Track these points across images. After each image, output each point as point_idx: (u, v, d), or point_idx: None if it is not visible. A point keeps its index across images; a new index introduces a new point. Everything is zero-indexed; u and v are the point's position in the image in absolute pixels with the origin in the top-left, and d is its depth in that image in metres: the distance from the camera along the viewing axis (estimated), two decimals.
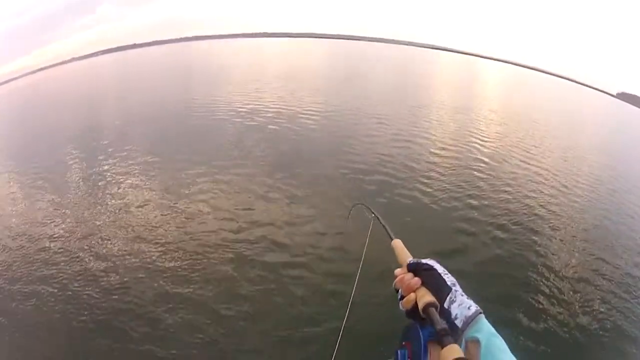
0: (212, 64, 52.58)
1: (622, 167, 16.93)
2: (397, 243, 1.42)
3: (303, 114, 16.65)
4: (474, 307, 0.97)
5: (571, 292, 6.48)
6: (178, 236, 7.18)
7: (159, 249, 6.81)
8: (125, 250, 6.79)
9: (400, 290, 1.08)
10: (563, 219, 9.25)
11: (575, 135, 23.31)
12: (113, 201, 8.78)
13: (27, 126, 19.28)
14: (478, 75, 67.14)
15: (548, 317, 5.78)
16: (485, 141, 15.14)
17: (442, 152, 12.88)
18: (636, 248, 8.46)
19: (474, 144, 14.35)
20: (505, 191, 10.20)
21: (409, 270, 1.10)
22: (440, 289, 1.02)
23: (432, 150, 13.06)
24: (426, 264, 1.10)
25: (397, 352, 0.98)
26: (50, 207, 8.90)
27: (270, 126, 14.46)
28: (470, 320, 0.95)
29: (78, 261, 6.63)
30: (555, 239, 8.25)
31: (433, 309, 0.95)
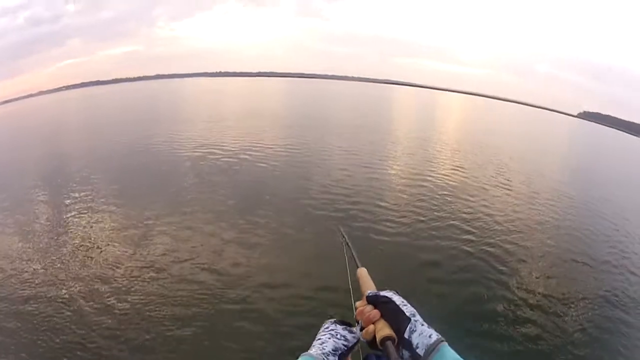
0: (174, 102, 52.47)
1: (587, 180, 18.61)
2: (362, 272, 1.45)
3: (268, 151, 16.90)
4: (435, 336, 0.99)
5: (545, 314, 6.80)
6: (143, 276, 7.25)
7: (125, 288, 6.88)
8: (91, 293, 6.77)
9: (360, 322, 1.12)
10: (532, 239, 9.84)
11: (539, 156, 24.48)
12: (77, 241, 8.75)
13: None
14: (437, 107, 67.26)
15: (522, 340, 6.09)
16: (451, 169, 15.77)
17: (411, 184, 13.29)
18: (609, 261, 9.15)
19: (439, 173, 14.97)
20: (475, 218, 10.64)
21: (369, 302, 1.14)
22: (399, 320, 1.06)
23: (402, 182, 13.50)
24: (384, 296, 1.14)
25: None
26: (12, 246, 8.65)
27: (235, 164, 14.71)
28: (432, 349, 0.96)
29: (43, 299, 6.56)
30: (527, 260, 8.62)
31: (390, 343, 1.00)
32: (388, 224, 9.73)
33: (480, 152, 21.10)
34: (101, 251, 8.23)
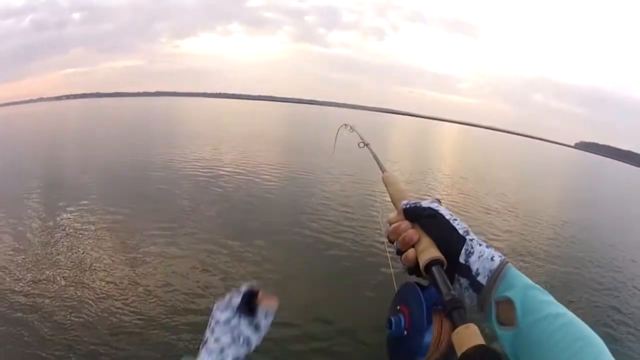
0: (173, 120, 52.18)
1: (586, 212, 18.11)
2: (389, 177, 1.09)
3: (262, 173, 16.50)
4: (498, 257, 0.74)
5: None
6: (134, 297, 6.69)
7: (113, 309, 6.31)
8: (78, 311, 6.22)
9: (396, 244, 0.84)
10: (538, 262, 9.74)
11: (536, 187, 24.02)
12: (67, 257, 8.17)
13: None
14: (436, 138, 66.64)
15: None
16: (449, 202, 14.78)
17: None
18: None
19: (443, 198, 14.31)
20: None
21: (406, 217, 0.85)
22: (450, 241, 0.78)
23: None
24: (428, 207, 0.84)
25: (390, 320, 0.73)
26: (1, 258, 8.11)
27: (228, 186, 14.35)
28: (496, 275, 0.73)
29: (28, 320, 5.96)
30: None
31: (438, 268, 0.73)
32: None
33: (483, 184, 20.96)
34: (92, 270, 7.66)
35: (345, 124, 1.94)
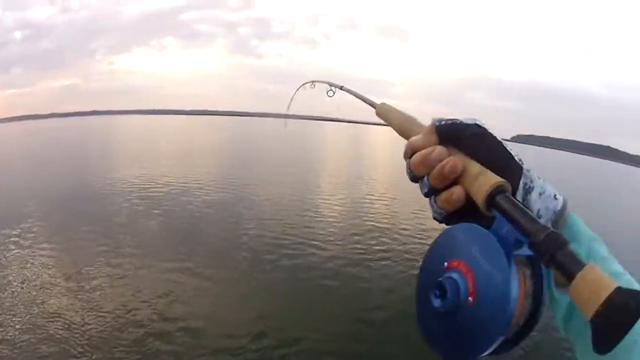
0: (109, 140, 52.18)
1: None
2: (385, 107, 0.75)
3: (201, 189, 16.39)
4: (560, 196, 0.53)
5: None
6: (80, 325, 6.11)
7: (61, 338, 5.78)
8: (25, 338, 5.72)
9: (425, 180, 0.54)
10: None
11: None
12: (14, 284, 7.50)
13: None
14: (366, 141, 68.40)
15: None
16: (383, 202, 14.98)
17: (343, 216, 12.89)
18: None
19: (371, 207, 14.45)
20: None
21: (442, 139, 0.54)
22: (505, 170, 0.51)
23: (334, 217, 12.84)
24: (474, 124, 0.54)
25: (441, 285, 0.46)
26: None
27: (167, 203, 13.94)
28: (560, 219, 0.52)
29: None
30: None
31: (508, 197, 0.47)
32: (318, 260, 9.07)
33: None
34: (34, 297, 7.04)
35: (304, 83, 1.58)
